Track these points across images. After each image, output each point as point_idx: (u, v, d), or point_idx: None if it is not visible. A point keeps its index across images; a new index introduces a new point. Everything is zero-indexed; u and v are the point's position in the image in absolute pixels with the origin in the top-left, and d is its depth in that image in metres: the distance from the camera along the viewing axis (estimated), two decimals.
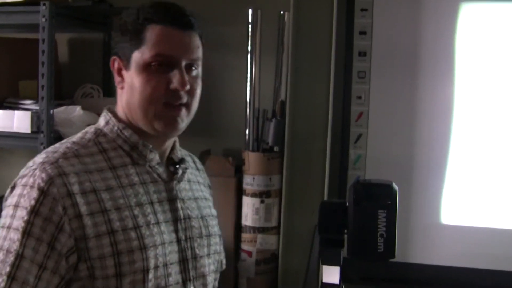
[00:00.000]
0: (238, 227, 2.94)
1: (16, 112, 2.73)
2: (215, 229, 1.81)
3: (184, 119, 1.64)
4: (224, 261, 1.96)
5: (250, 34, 2.87)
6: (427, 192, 2.83)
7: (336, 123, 2.87)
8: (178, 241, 1.64)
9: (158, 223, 1.60)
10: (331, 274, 1.61)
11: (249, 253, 2.89)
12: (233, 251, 2.93)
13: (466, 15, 2.75)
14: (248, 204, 2.88)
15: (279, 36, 2.91)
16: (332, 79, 2.83)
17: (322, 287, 1.62)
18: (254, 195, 2.87)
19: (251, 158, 2.89)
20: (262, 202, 2.86)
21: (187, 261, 1.65)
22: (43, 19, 2.63)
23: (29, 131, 2.67)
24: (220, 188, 2.91)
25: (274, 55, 2.92)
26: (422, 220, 2.83)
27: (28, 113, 2.69)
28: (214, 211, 1.88)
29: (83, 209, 1.48)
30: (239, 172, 2.96)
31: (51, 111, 2.69)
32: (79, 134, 1.67)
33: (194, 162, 1.93)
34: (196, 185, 1.82)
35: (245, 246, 2.91)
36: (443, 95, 2.80)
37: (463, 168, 2.79)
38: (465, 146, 2.79)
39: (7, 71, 2.92)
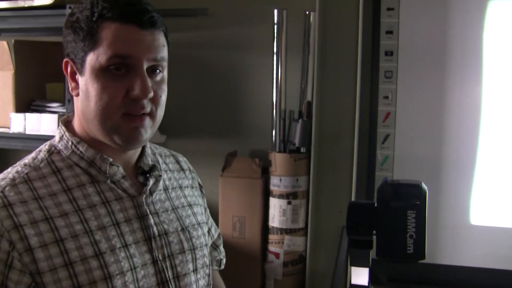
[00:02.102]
0: (265, 229, 2.94)
1: (43, 114, 2.74)
2: (201, 240, 1.65)
3: (148, 130, 1.46)
4: (224, 261, 1.92)
5: (276, 34, 2.86)
6: (456, 192, 2.80)
7: (363, 124, 2.85)
8: (154, 261, 1.49)
9: (126, 245, 1.44)
10: (360, 275, 1.59)
11: (277, 255, 2.88)
12: (260, 253, 2.93)
13: (494, 13, 2.72)
14: (275, 205, 2.87)
15: (305, 36, 2.90)
16: (359, 79, 2.81)
17: None
18: (281, 196, 2.86)
19: (278, 159, 2.88)
20: (289, 203, 2.85)
21: (167, 283, 1.50)
22: None
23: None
24: (246, 189, 2.92)
25: (300, 55, 2.91)
26: (451, 220, 2.80)
27: (55, 116, 2.71)
28: (202, 218, 1.72)
29: (34, 241, 1.33)
30: (265, 173, 2.95)
31: None
32: (32, 154, 1.52)
33: (177, 162, 1.76)
34: (177, 192, 1.66)
35: (272, 248, 2.90)
36: (471, 94, 2.77)
37: (492, 168, 2.76)
38: (494, 146, 2.75)
39: (34, 74, 2.94)
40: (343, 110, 2.93)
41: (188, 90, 3.14)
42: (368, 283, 1.60)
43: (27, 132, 2.76)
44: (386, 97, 2.84)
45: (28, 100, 2.90)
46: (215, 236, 1.89)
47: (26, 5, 2.73)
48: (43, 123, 2.72)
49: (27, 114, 2.77)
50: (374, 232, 1.52)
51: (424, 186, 1.50)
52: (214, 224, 1.90)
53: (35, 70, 2.94)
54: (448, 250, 2.81)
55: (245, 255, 2.91)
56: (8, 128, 2.81)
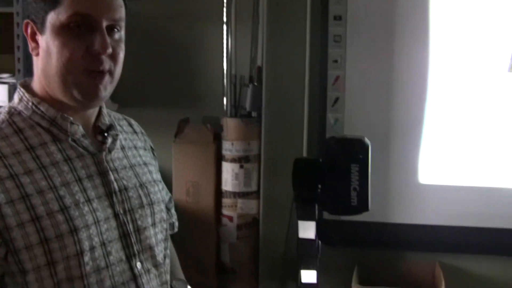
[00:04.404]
0: (219, 193, 2.97)
1: None
2: (158, 195, 1.70)
3: (107, 87, 1.49)
4: (176, 224, 1.96)
5: (225, 2, 2.88)
6: (405, 152, 2.86)
7: (313, 87, 2.89)
8: (116, 215, 1.53)
9: (89, 200, 1.47)
10: (307, 229, 1.63)
11: (230, 218, 2.92)
12: (214, 217, 2.96)
13: None
14: (228, 170, 2.91)
15: (254, 1, 2.91)
16: (308, 43, 2.84)
17: (298, 242, 1.65)
18: (233, 160, 2.90)
19: (230, 124, 2.91)
20: (241, 167, 2.89)
21: (129, 236, 1.54)
22: None
23: (6, 103, 2.67)
24: (199, 154, 2.95)
25: (250, 22, 2.93)
26: (400, 180, 2.87)
27: (5, 86, 2.70)
28: (157, 176, 1.77)
29: (0, 198, 1.36)
30: (218, 139, 2.98)
31: None
32: None
33: (130, 125, 1.80)
34: (132, 151, 1.70)
35: (226, 211, 2.94)
36: (418, 59, 2.82)
37: (439, 128, 2.82)
38: (441, 107, 2.81)
39: None
40: (293, 74, 2.95)
41: (139, 59, 3.12)
42: (315, 236, 1.64)
43: None
44: (336, 61, 2.88)
45: None
46: (166, 199, 1.91)
47: None
48: None
49: None
50: (320, 186, 1.56)
51: (367, 140, 1.54)
52: (165, 187, 1.92)
53: None
54: (398, 209, 2.88)
55: (200, 219, 2.95)
56: None
